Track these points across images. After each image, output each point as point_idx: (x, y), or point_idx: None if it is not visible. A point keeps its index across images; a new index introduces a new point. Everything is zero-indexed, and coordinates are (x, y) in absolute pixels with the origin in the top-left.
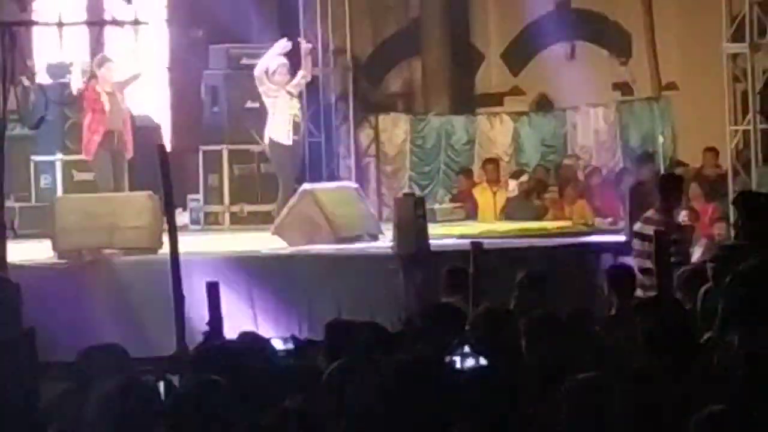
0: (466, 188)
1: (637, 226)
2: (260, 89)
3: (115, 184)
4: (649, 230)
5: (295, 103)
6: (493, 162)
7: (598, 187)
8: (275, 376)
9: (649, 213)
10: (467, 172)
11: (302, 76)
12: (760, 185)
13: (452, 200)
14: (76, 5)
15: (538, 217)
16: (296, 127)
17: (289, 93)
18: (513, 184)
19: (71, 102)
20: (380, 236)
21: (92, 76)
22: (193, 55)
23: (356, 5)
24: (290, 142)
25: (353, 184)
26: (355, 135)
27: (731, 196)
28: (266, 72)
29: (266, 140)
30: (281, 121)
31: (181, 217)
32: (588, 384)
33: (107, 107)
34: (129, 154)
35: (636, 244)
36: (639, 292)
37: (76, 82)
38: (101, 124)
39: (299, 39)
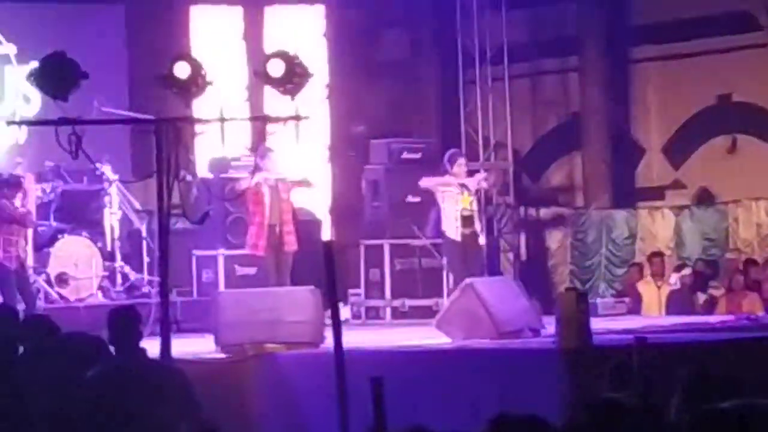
0: (636, 281)
1: None
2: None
3: (278, 279)
4: None
5: (467, 197)
6: (658, 255)
7: (764, 281)
8: None
9: None
10: (637, 266)
11: (484, 179)
12: None
13: (618, 293)
14: (238, 101)
15: (702, 311)
16: (465, 221)
17: (463, 186)
18: (675, 278)
19: (233, 197)
20: (542, 331)
21: (255, 168)
22: (354, 150)
23: (517, 100)
24: (458, 237)
25: (514, 279)
26: (516, 229)
27: None
28: (447, 159)
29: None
30: (448, 215)
31: (343, 312)
32: None
33: (267, 201)
34: (292, 247)
35: None
36: None
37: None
38: (263, 217)
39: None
